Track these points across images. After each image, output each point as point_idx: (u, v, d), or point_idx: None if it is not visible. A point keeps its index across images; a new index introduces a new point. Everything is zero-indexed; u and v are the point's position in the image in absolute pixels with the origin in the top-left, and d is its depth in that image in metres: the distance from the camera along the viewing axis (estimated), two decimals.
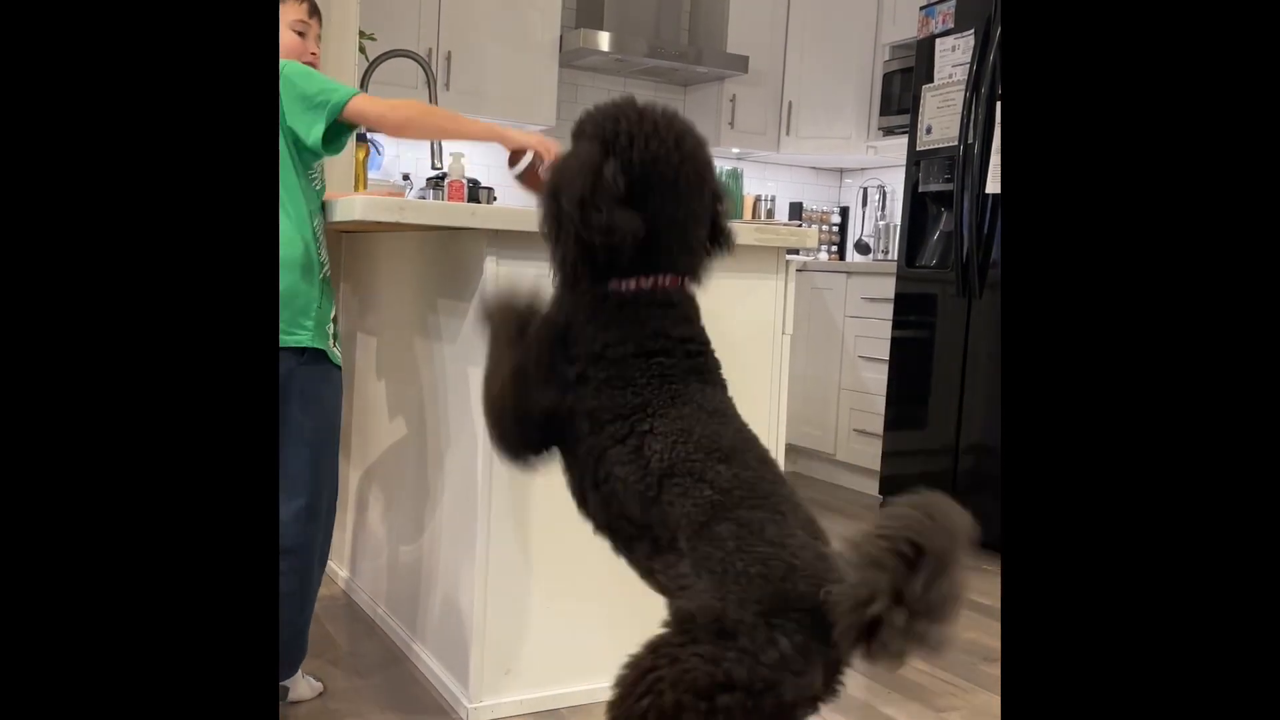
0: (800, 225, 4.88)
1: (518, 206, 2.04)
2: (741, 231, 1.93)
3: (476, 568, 1.80)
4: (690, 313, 1.30)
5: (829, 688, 1.14)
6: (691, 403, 1.24)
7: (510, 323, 1.34)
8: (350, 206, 1.65)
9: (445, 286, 1.95)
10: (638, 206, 1.24)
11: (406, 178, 4.16)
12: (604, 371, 1.25)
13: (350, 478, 2.54)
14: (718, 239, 1.35)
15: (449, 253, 1.93)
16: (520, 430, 1.30)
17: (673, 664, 1.10)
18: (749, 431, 1.26)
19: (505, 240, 1.75)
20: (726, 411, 1.26)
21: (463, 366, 1.88)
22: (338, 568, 2.60)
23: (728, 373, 1.89)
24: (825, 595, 1.07)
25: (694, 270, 1.32)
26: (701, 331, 1.32)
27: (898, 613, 0.99)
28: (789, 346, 2.05)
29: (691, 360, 1.28)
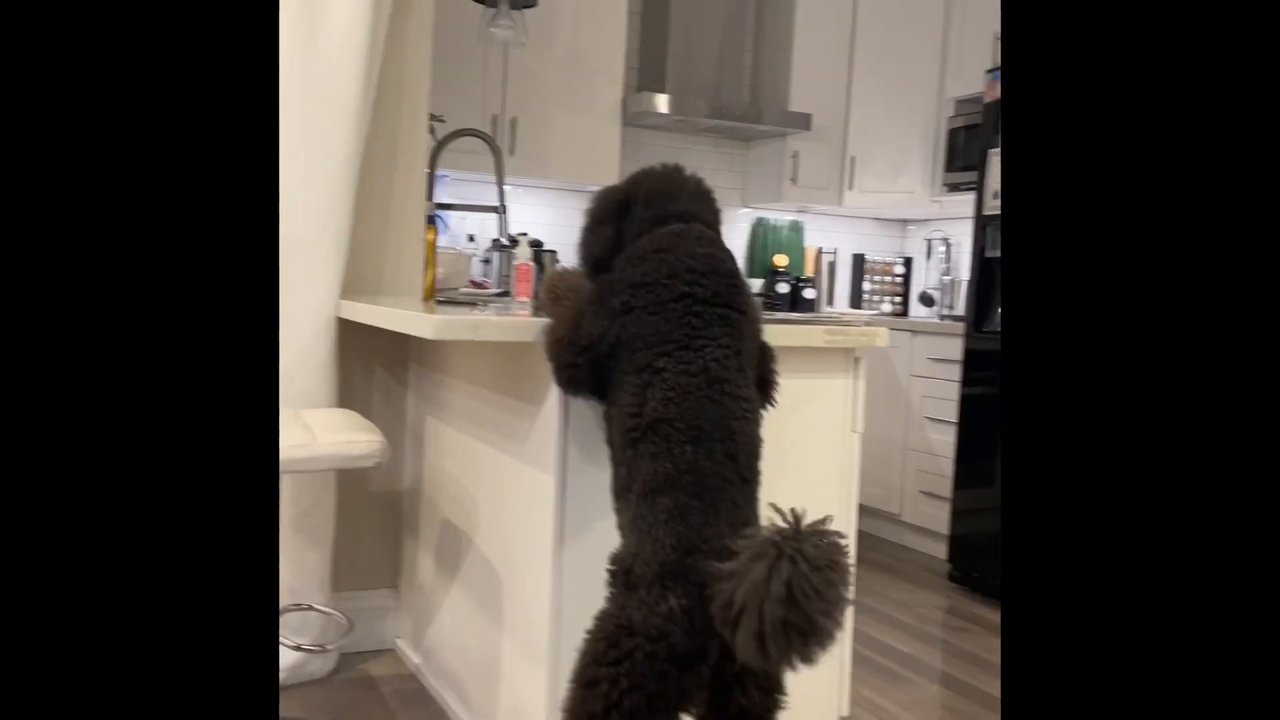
0: (866, 318, 4.85)
1: None
2: (811, 334, 1.93)
3: (545, 672, 1.81)
4: (718, 243, 1.54)
5: (731, 659, 1.32)
6: (703, 355, 1.43)
7: (571, 287, 1.62)
8: (424, 326, 1.68)
9: (515, 389, 1.97)
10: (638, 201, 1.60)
11: (472, 239, 4.22)
12: (643, 298, 1.47)
13: (419, 559, 2.57)
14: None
15: (520, 358, 1.95)
16: (575, 360, 1.54)
17: (601, 614, 1.38)
18: (738, 412, 1.43)
19: None
20: (728, 380, 1.44)
21: (531, 468, 1.89)
22: (409, 650, 2.62)
23: (796, 469, 1.92)
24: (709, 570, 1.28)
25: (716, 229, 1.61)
26: (730, 257, 1.54)
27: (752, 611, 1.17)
28: (859, 445, 2.04)
29: (720, 280, 1.49)
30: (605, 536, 1.82)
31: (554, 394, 1.78)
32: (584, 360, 1.53)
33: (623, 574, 1.39)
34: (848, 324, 2.00)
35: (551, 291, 1.65)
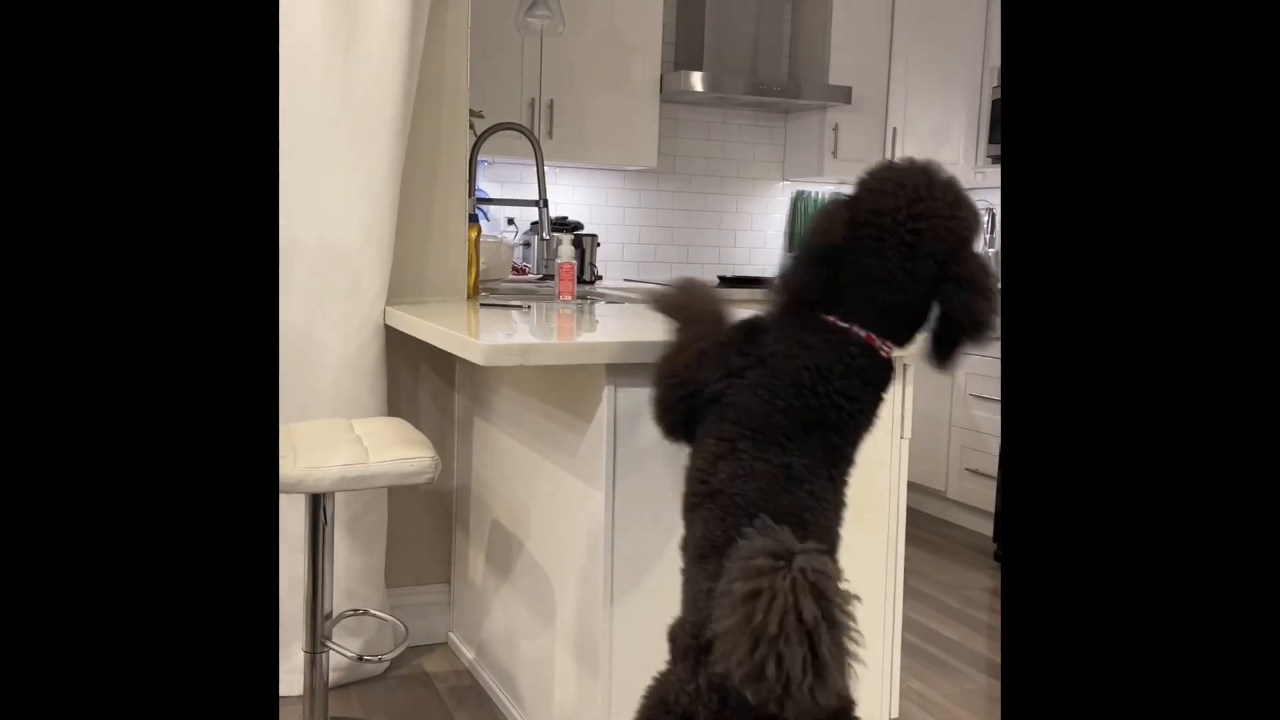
0: None
1: (633, 324, 2.05)
2: None
3: (599, 682, 1.84)
4: (866, 373, 1.34)
5: None
6: (788, 455, 1.31)
7: (702, 313, 1.49)
8: (474, 351, 1.69)
9: (564, 402, 1.99)
10: (848, 259, 1.34)
11: (511, 222, 4.23)
12: (759, 377, 1.35)
13: (470, 556, 2.61)
14: (948, 318, 1.35)
15: (569, 372, 1.96)
16: (677, 404, 1.42)
17: (655, 679, 1.33)
18: (814, 507, 1.31)
19: (624, 371, 1.77)
20: (809, 481, 1.31)
21: (580, 482, 1.91)
22: (462, 645, 2.68)
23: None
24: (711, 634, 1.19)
25: (890, 333, 1.36)
26: (866, 394, 1.35)
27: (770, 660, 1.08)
28: (907, 451, 2.03)
29: (833, 410, 1.33)
30: (654, 551, 1.84)
31: (603, 410, 1.79)
32: (684, 407, 1.43)
33: (670, 642, 1.34)
34: None
35: (681, 308, 1.52)
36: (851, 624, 1.12)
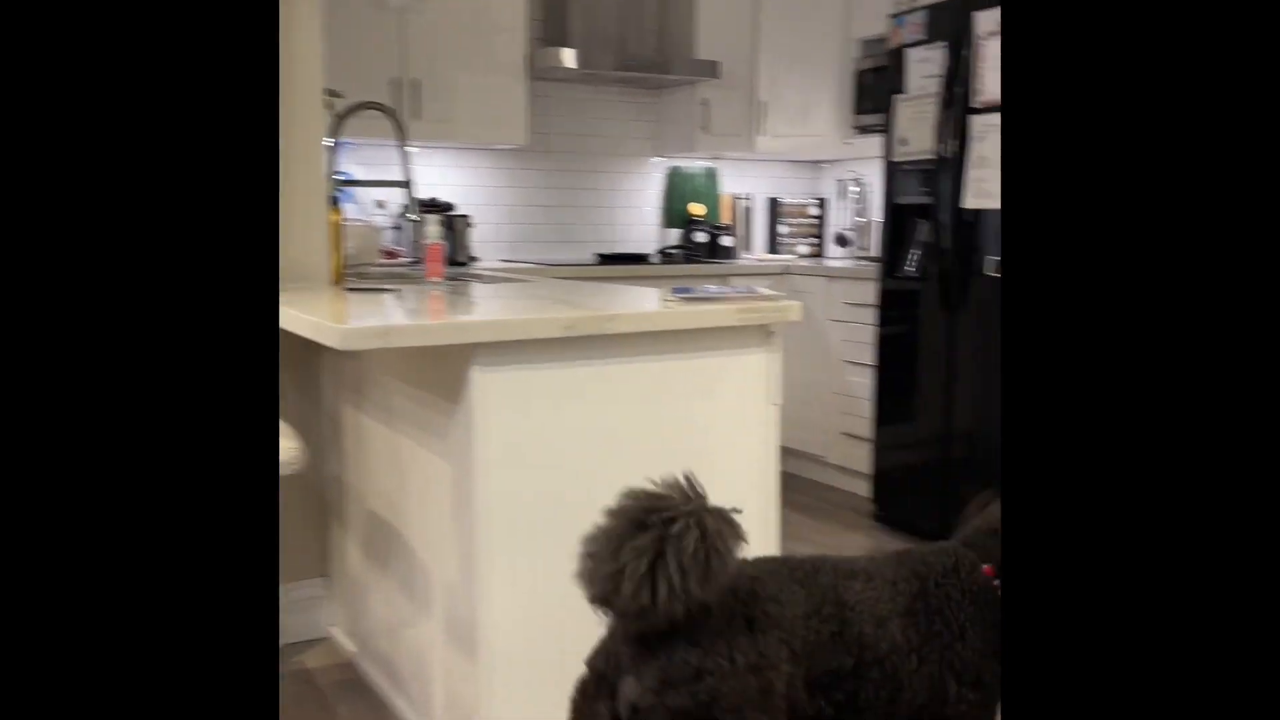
0: (784, 263, 4.87)
1: (505, 301, 2.03)
2: (724, 314, 1.93)
3: (477, 666, 1.82)
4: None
5: None
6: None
7: None
8: (329, 335, 1.64)
9: (432, 384, 1.95)
10: None
11: (381, 205, 4.13)
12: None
13: (347, 548, 2.55)
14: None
15: (436, 353, 1.93)
16: None
17: None
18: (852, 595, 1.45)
19: (491, 350, 1.75)
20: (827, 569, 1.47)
21: (450, 465, 1.88)
22: (343, 638, 2.62)
23: (717, 447, 1.93)
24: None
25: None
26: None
27: None
28: (778, 417, 2.07)
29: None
30: (526, 533, 1.83)
31: (471, 391, 1.77)
32: None
33: None
34: (761, 299, 2.01)
35: None
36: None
